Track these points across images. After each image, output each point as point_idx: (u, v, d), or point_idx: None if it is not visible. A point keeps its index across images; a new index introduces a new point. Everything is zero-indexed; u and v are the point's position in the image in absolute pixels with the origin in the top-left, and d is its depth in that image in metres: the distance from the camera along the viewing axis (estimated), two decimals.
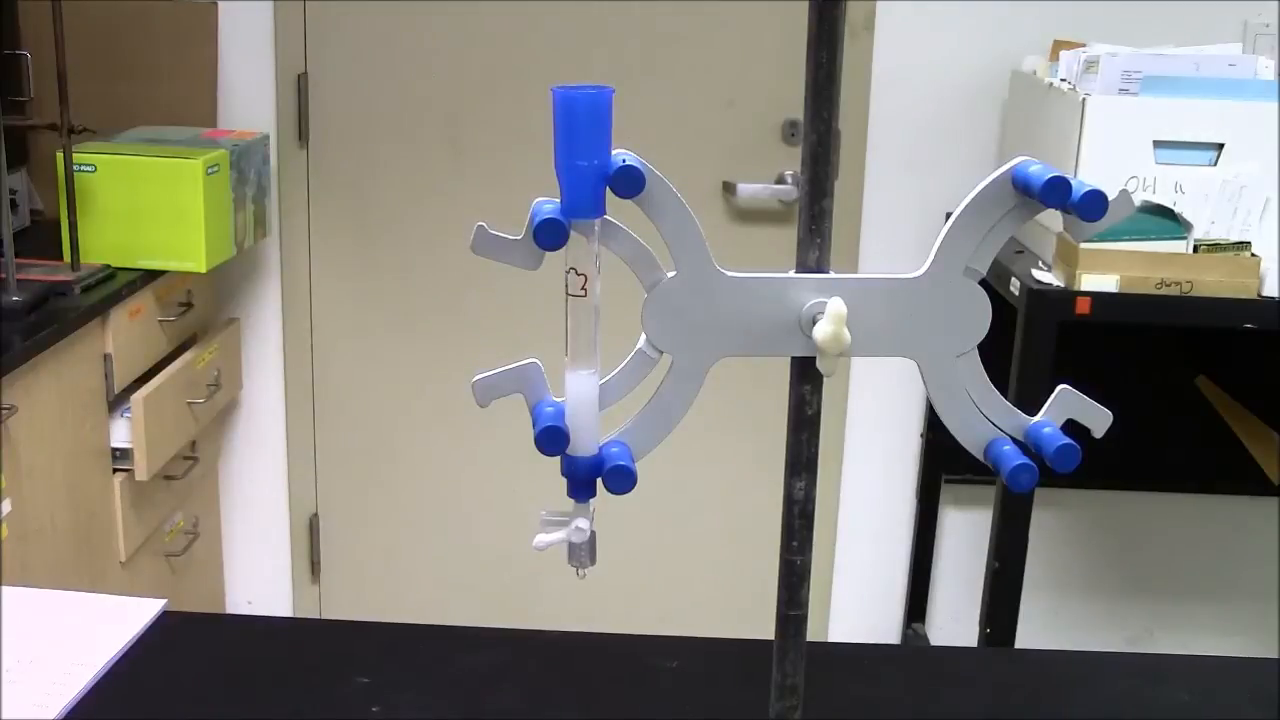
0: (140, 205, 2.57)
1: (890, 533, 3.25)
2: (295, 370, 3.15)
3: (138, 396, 2.48)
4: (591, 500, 0.71)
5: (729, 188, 3.01)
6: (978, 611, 2.62)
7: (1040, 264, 2.50)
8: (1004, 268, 2.50)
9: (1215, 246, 2.39)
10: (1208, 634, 3.28)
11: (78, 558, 2.40)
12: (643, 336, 0.72)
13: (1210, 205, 2.39)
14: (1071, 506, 3.22)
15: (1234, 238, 2.39)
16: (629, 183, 0.68)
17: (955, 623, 3.27)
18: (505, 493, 3.18)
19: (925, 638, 3.23)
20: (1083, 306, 2.38)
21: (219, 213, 2.65)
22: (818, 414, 0.74)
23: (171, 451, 2.68)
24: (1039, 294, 2.40)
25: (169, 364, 2.68)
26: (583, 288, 0.68)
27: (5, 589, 1.33)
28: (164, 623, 1.29)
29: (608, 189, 0.68)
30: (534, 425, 0.69)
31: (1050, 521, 3.18)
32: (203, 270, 2.62)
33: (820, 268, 0.72)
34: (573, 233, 0.68)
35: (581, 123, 0.67)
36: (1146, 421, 2.98)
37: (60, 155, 2.50)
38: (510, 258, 0.70)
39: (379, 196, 3.07)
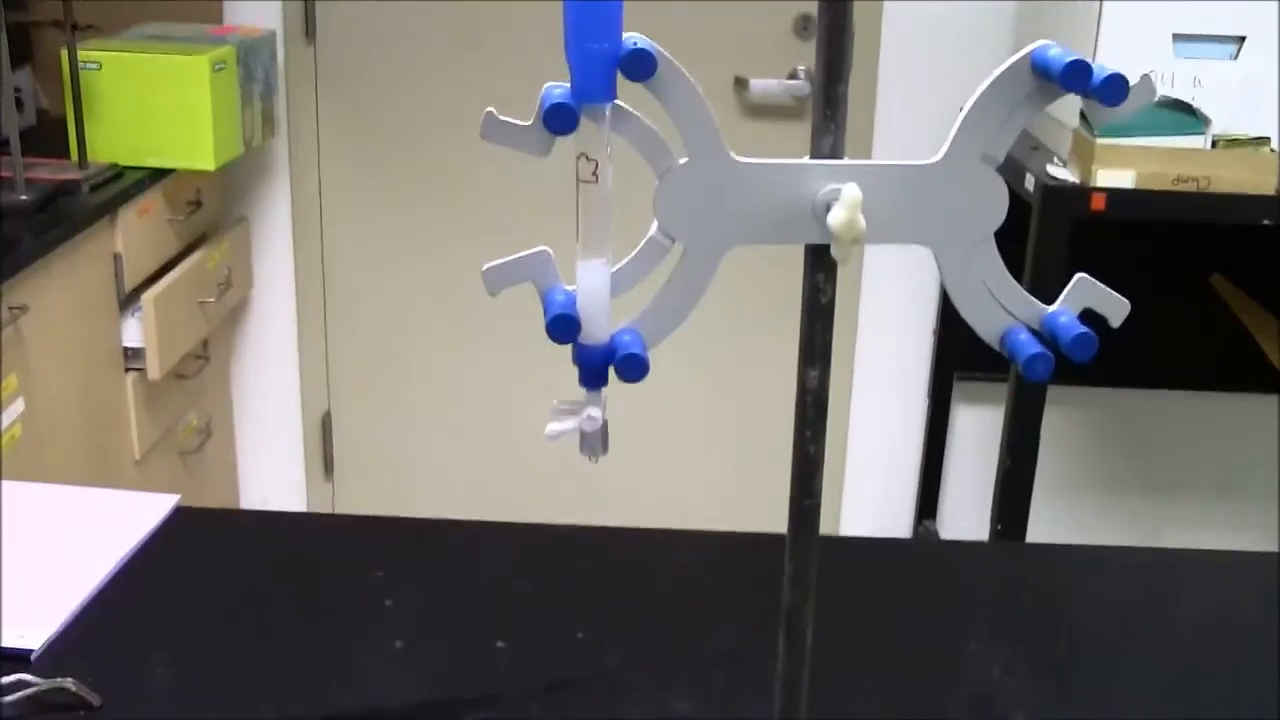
0: (147, 103, 2.55)
1: (902, 431, 3.25)
2: (306, 268, 3.14)
3: (148, 296, 2.48)
4: (603, 389, 0.71)
5: (741, 83, 2.98)
6: (989, 509, 2.63)
7: (1055, 160, 2.48)
8: (1018, 164, 2.48)
9: (1234, 142, 2.37)
10: (1219, 531, 3.29)
11: (92, 457, 2.41)
12: (655, 224, 0.71)
13: (1229, 100, 2.37)
14: (1084, 405, 3.22)
15: (1253, 133, 2.37)
16: (640, 65, 0.66)
17: (966, 521, 3.28)
18: (518, 388, 3.19)
19: (936, 534, 3.25)
20: (1098, 203, 2.36)
21: (226, 111, 2.63)
22: (832, 303, 0.73)
23: (183, 350, 2.68)
24: (1054, 190, 2.38)
25: (179, 263, 2.68)
26: (594, 173, 0.68)
27: (20, 484, 1.33)
28: (178, 518, 1.30)
29: (619, 74, 0.67)
30: (545, 313, 0.69)
31: (1062, 420, 3.18)
32: (211, 168, 2.60)
33: (835, 154, 0.71)
34: (583, 118, 0.67)
35: (592, 4, 0.65)
36: (1161, 320, 2.97)
37: (64, 53, 2.48)
38: (520, 144, 0.69)
39: (387, 91, 3.04)
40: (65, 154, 2.52)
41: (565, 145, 0.69)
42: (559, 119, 0.66)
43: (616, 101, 0.68)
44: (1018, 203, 2.39)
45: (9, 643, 1.08)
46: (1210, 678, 1.12)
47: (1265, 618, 1.20)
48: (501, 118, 0.68)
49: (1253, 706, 1.07)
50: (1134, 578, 1.30)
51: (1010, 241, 0.75)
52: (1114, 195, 2.35)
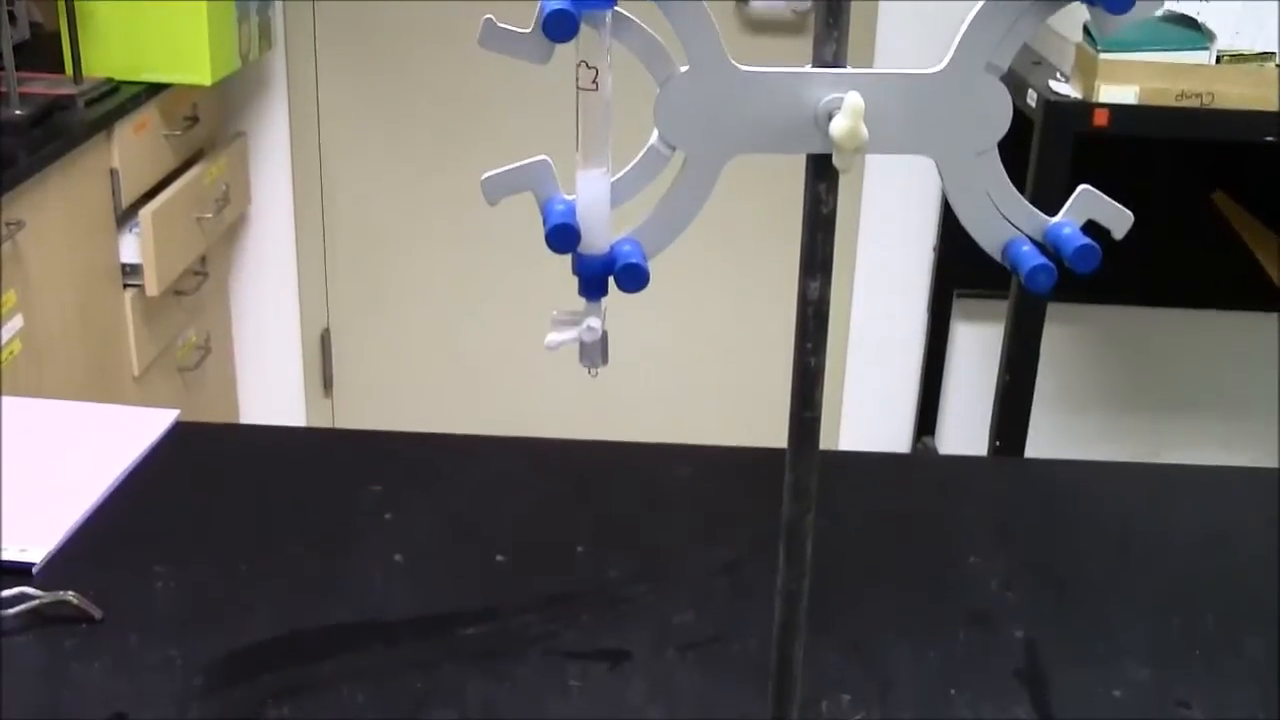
0: (142, 17, 2.52)
1: (901, 346, 3.25)
2: (304, 184, 3.12)
3: (146, 211, 2.47)
4: (603, 299, 0.70)
5: None
6: (988, 426, 2.63)
7: (1058, 75, 2.46)
8: (1020, 78, 2.46)
9: (1238, 57, 2.34)
10: (1217, 448, 3.29)
11: (91, 373, 2.41)
12: (655, 133, 0.71)
13: (1234, 15, 2.34)
14: (1083, 322, 3.22)
15: (1258, 49, 2.34)
16: None
17: (965, 438, 3.29)
18: (517, 301, 3.18)
19: (935, 451, 3.26)
20: (1100, 118, 2.34)
21: (222, 24, 2.60)
22: (833, 213, 0.73)
23: (181, 267, 2.67)
24: (1056, 105, 2.36)
25: (176, 179, 2.66)
26: (594, 81, 0.66)
27: (20, 400, 1.33)
28: (177, 434, 1.30)
29: None
30: (544, 223, 0.68)
31: (1061, 337, 3.18)
32: (208, 83, 2.58)
33: (837, 63, 0.70)
34: (583, 25, 0.66)
35: None
36: (1162, 237, 2.96)
37: None
38: (519, 51, 0.68)
39: (385, 3, 3.01)
40: (60, 69, 2.49)
41: (565, 53, 0.68)
42: (559, 26, 0.65)
43: (617, 8, 0.67)
44: (1019, 118, 2.37)
45: (10, 556, 1.08)
46: (1208, 592, 1.12)
47: (1263, 533, 1.21)
48: (500, 25, 0.67)
49: (1250, 621, 1.08)
50: (1132, 493, 1.30)
51: (1012, 158, 0.74)
52: (1117, 111, 2.33)
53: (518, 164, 0.69)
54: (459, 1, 2.96)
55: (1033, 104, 2.40)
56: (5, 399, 1.31)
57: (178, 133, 2.69)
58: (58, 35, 2.51)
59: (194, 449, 1.30)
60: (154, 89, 2.57)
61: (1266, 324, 3.17)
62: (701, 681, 0.98)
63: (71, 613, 1.01)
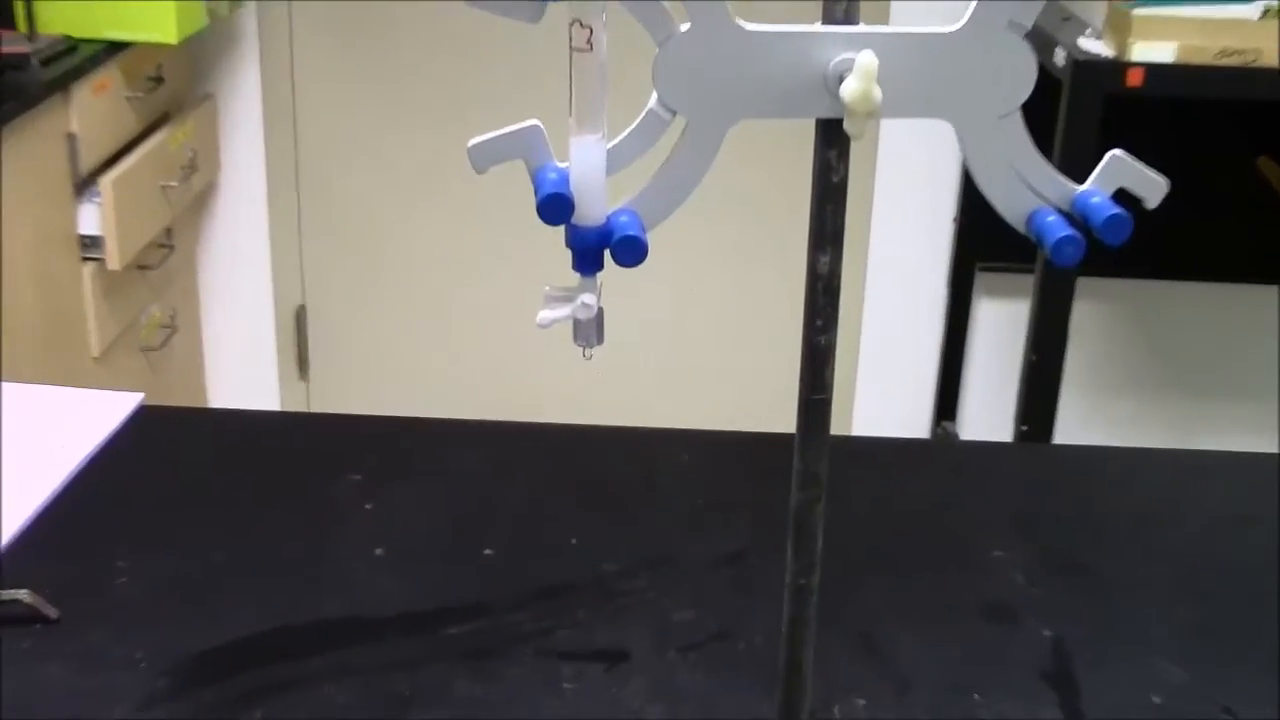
0: None
1: (919, 324, 3.25)
2: (277, 150, 3.12)
3: (107, 179, 2.47)
4: (599, 274, 0.71)
5: None
6: (1012, 409, 2.63)
7: (1088, 32, 2.45)
8: (1047, 36, 2.45)
9: None
10: (1258, 433, 3.29)
11: (47, 353, 2.41)
12: (654, 96, 0.71)
13: None
14: (1115, 298, 3.22)
15: None
16: None
17: (988, 422, 3.29)
18: (506, 277, 3.18)
19: (956, 436, 3.26)
20: (1134, 78, 2.34)
21: None
22: (844, 182, 0.73)
23: (145, 239, 2.68)
24: (1086, 65, 2.35)
25: (140, 144, 2.66)
26: (588, 41, 0.66)
27: None
28: (141, 418, 1.30)
29: None
30: (536, 193, 0.68)
31: (1091, 314, 3.18)
32: (173, 41, 2.58)
33: (849, 21, 0.71)
34: None
35: None
36: (1201, 206, 2.96)
37: None
38: (509, 10, 0.68)
39: None
40: (11, 25, 2.49)
41: (557, 11, 0.68)
42: None
43: None
44: (1046, 79, 2.37)
45: None
46: (1250, 587, 1.12)
47: None
48: None
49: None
50: (1167, 481, 1.31)
51: (1037, 121, 0.74)
52: (1152, 70, 2.33)
53: (507, 129, 0.69)
54: None
55: (1060, 63, 2.39)
56: None
57: (141, 95, 2.68)
58: None
59: (159, 435, 1.30)
60: (115, 47, 2.57)
61: None
62: (704, 683, 0.99)
63: (26, 612, 1.02)
